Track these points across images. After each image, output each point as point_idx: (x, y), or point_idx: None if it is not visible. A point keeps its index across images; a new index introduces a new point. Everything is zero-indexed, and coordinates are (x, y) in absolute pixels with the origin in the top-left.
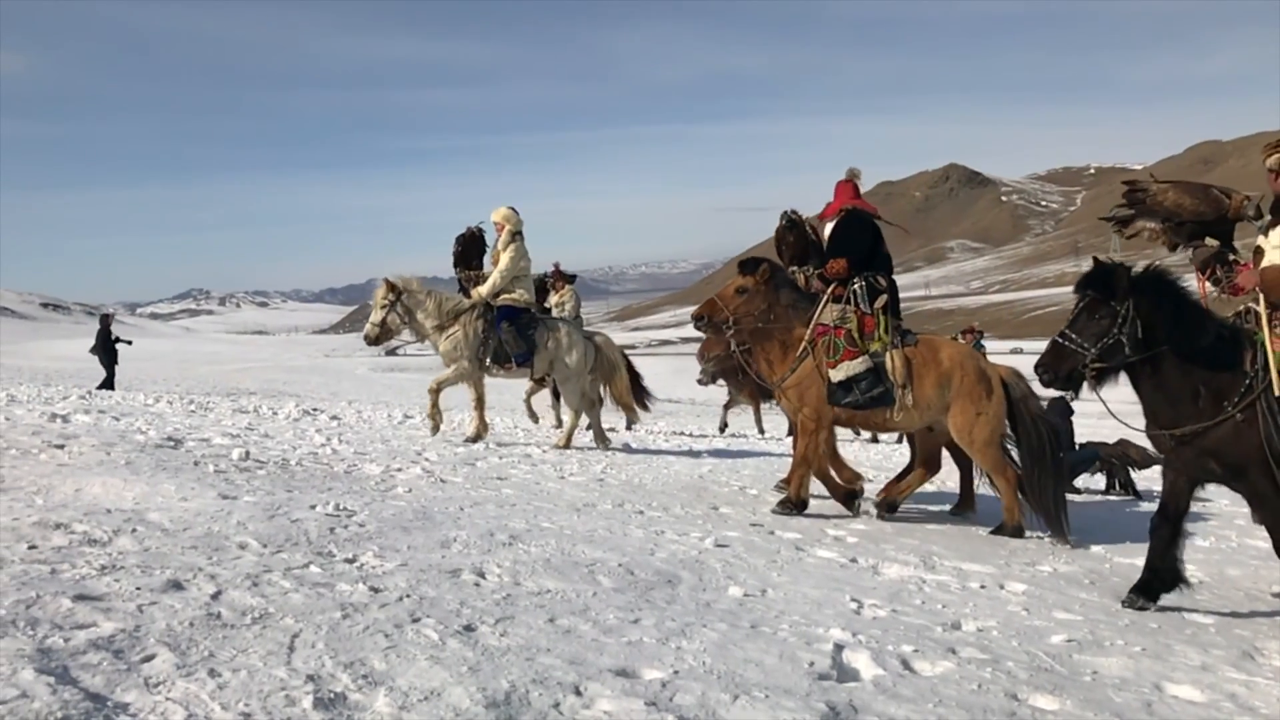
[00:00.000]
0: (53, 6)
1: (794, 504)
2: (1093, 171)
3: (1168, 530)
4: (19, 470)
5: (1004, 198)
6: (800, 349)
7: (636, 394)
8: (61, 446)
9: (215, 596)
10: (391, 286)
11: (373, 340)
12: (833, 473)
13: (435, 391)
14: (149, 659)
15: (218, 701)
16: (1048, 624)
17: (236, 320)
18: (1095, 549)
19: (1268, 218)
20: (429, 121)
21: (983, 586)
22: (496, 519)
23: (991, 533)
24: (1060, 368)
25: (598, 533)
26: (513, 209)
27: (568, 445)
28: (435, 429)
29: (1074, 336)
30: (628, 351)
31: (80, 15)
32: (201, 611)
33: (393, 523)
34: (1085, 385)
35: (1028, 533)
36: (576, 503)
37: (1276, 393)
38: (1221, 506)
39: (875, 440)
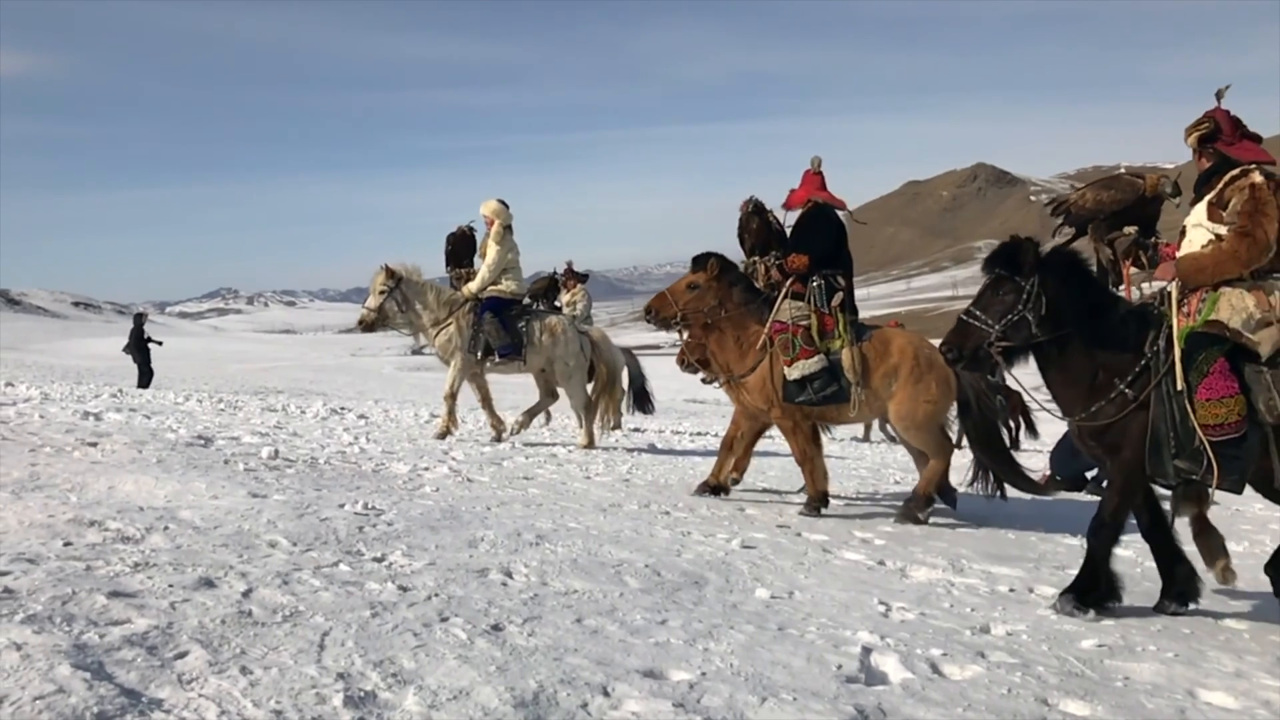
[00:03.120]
0: (77, 7)
1: (816, 501)
2: (1123, 171)
3: (1158, 529)
4: (54, 468)
5: (1033, 197)
6: (760, 345)
7: (640, 398)
8: (94, 444)
9: (246, 594)
10: (391, 273)
11: (368, 326)
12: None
13: (450, 397)
14: (182, 656)
15: (250, 699)
16: (1078, 628)
17: (264, 319)
18: (1125, 553)
19: (1192, 196)
20: (457, 121)
21: (1012, 590)
22: (523, 519)
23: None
24: (964, 345)
25: (624, 533)
26: (502, 202)
27: (591, 445)
28: (444, 435)
29: (978, 313)
30: (649, 352)
31: (106, 16)
32: (233, 609)
33: (420, 522)
34: (997, 365)
35: (1056, 537)
36: (603, 503)
37: (1179, 386)
38: (1256, 511)
39: (894, 440)
